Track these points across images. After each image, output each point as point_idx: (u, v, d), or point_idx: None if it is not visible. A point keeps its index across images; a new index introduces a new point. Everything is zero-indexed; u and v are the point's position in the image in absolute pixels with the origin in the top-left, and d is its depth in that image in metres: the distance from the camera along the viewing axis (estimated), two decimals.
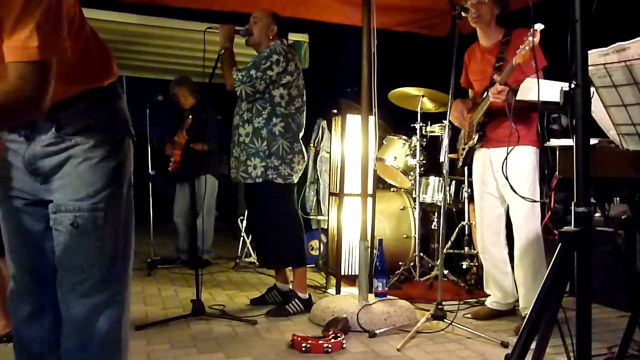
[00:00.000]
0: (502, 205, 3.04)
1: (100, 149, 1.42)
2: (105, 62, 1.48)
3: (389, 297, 3.18)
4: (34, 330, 1.50)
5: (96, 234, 1.41)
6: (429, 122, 4.27)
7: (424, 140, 4.22)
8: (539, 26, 2.48)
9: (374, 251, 3.47)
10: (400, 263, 4.19)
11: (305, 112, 3.44)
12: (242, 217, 5.22)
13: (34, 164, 1.41)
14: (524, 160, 2.87)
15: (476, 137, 3.02)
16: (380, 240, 3.33)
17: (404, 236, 4.35)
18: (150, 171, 5.15)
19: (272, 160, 3.24)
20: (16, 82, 1.18)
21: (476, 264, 4.04)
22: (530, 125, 2.92)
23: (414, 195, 4.24)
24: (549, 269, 1.32)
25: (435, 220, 4.43)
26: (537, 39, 2.50)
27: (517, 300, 3.05)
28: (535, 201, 2.86)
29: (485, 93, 2.93)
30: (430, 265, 4.22)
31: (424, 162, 4.19)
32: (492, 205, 3.08)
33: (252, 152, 3.26)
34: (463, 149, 3.17)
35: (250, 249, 5.19)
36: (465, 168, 4.00)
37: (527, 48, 2.55)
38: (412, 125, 4.24)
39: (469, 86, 3.24)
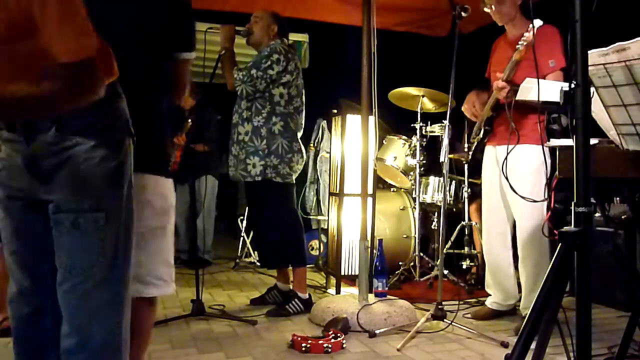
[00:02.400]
0: (509, 205, 3.04)
1: (101, 149, 1.42)
2: (106, 61, 1.47)
3: (389, 297, 3.18)
4: (34, 330, 1.49)
5: (97, 235, 1.41)
6: (429, 122, 4.26)
7: (424, 140, 4.22)
8: (537, 22, 2.50)
9: (374, 251, 3.46)
10: (400, 263, 4.19)
11: (304, 112, 3.45)
12: (242, 217, 5.22)
13: (34, 164, 1.41)
14: (527, 159, 2.84)
15: (482, 132, 3.01)
16: (380, 240, 3.33)
17: (404, 236, 4.35)
18: None
19: (271, 159, 3.25)
20: (74, 78, 1.28)
21: (476, 264, 4.04)
22: (536, 123, 2.89)
23: (414, 195, 4.24)
24: (548, 269, 1.32)
25: (435, 220, 4.43)
26: (531, 34, 2.53)
27: (518, 301, 3.05)
28: (535, 201, 2.84)
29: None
30: (430, 265, 4.22)
31: (424, 162, 4.19)
32: (498, 205, 3.06)
33: (251, 150, 3.26)
34: (472, 144, 3.15)
35: (250, 249, 5.19)
36: (465, 168, 4.01)
37: (524, 44, 2.57)
38: (412, 125, 4.24)
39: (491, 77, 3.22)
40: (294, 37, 5.10)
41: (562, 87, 1.34)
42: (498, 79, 2.81)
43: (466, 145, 3.30)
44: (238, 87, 3.25)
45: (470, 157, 3.21)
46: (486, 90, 3.21)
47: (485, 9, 2.89)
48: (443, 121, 3.62)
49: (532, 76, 2.66)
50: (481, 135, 3.02)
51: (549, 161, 2.88)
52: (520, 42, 2.59)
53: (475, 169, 3.24)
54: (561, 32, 2.74)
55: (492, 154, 3.04)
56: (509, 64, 2.72)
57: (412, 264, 4.21)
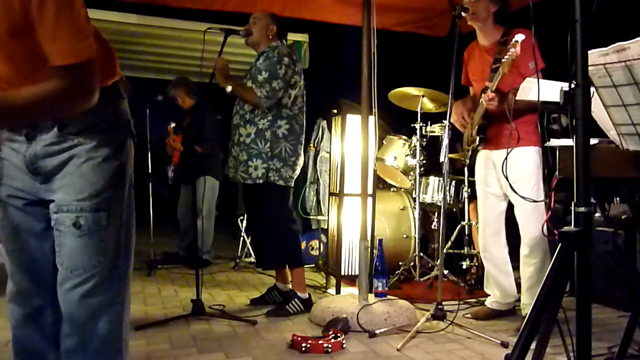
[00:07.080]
0: (504, 202, 3.06)
1: (103, 149, 1.42)
2: (108, 61, 1.47)
3: (389, 297, 3.18)
4: (33, 330, 1.49)
5: (98, 235, 1.41)
6: (429, 122, 4.27)
7: (424, 140, 4.22)
8: (519, 37, 2.57)
9: (374, 251, 3.46)
10: (400, 263, 4.19)
11: (305, 112, 3.44)
12: (242, 217, 5.22)
13: (34, 164, 1.40)
14: (526, 160, 2.87)
15: (477, 140, 3.03)
16: (380, 240, 3.32)
17: (404, 236, 4.35)
18: (150, 171, 5.17)
19: (274, 162, 3.24)
20: (72, 81, 1.27)
21: (476, 264, 4.04)
22: (531, 125, 2.92)
23: (414, 195, 4.24)
24: (548, 269, 1.32)
25: (435, 220, 4.43)
26: (518, 49, 2.58)
27: (517, 300, 3.05)
28: (535, 201, 2.86)
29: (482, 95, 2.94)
30: (430, 265, 4.22)
31: (424, 162, 4.19)
32: (493, 205, 3.08)
33: (254, 153, 3.25)
34: (468, 151, 3.17)
35: (250, 249, 5.19)
36: (465, 168, 4.01)
37: (512, 59, 2.63)
38: (412, 125, 4.24)
39: (469, 84, 3.24)
40: (294, 37, 5.11)
41: (562, 87, 1.34)
42: (484, 89, 2.84)
43: (462, 150, 3.31)
44: (265, 103, 3.20)
45: (469, 163, 3.22)
46: (466, 98, 3.25)
47: (462, 14, 2.90)
48: (443, 121, 3.62)
49: (515, 82, 2.69)
50: (477, 143, 3.03)
51: (540, 161, 2.92)
52: (506, 56, 2.63)
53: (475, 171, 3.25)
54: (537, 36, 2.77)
55: (489, 157, 3.06)
56: (496, 75, 2.75)
57: (412, 264, 4.21)
